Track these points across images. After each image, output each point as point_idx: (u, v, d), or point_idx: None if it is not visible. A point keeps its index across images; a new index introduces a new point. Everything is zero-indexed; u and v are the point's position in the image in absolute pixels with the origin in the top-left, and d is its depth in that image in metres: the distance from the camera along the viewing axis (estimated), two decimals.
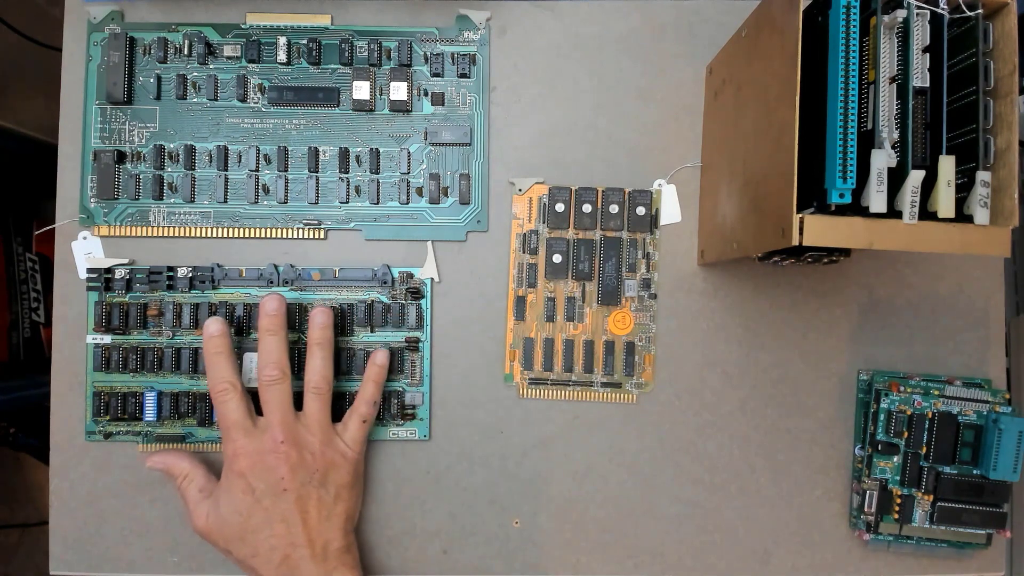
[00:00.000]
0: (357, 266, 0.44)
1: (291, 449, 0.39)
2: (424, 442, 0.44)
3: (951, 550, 0.44)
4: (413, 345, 0.43)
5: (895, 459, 0.42)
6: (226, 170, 0.43)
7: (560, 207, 0.44)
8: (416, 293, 0.43)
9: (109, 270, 0.43)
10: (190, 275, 0.43)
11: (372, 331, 0.43)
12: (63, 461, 0.44)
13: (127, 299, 0.43)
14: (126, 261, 0.43)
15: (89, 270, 0.43)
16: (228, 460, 0.39)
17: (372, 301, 0.43)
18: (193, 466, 0.41)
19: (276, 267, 0.43)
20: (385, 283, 0.43)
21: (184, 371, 0.43)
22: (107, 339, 0.43)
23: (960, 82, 0.32)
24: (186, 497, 0.40)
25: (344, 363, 0.43)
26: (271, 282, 0.43)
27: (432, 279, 0.44)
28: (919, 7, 0.31)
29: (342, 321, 0.43)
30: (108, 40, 0.43)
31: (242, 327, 0.43)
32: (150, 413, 0.43)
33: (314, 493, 0.39)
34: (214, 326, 0.40)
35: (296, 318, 0.43)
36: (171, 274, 0.43)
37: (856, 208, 0.30)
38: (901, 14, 0.30)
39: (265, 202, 0.44)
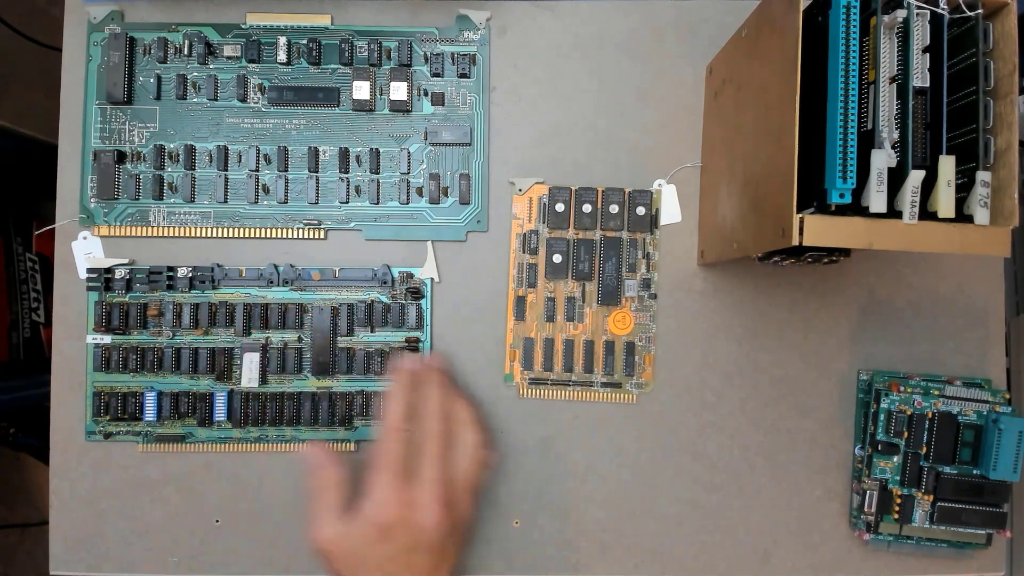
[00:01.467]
0: (357, 266, 0.44)
1: (444, 511, 0.37)
2: None
3: (951, 550, 0.44)
4: (413, 345, 0.43)
5: (895, 459, 0.42)
6: (226, 170, 0.43)
7: (560, 207, 0.44)
8: (416, 293, 0.43)
9: (109, 270, 0.43)
10: (190, 275, 0.43)
11: (372, 331, 0.43)
12: (63, 461, 0.44)
13: (127, 299, 0.43)
14: (126, 261, 0.43)
15: (89, 270, 0.43)
16: (377, 504, 0.36)
17: (372, 301, 0.43)
18: (341, 481, 0.38)
19: (276, 267, 0.43)
20: (385, 283, 0.43)
21: (184, 371, 0.43)
22: (107, 339, 0.43)
23: (960, 82, 0.32)
24: (320, 505, 0.38)
25: (344, 363, 0.43)
26: (271, 282, 0.43)
27: (432, 279, 0.44)
28: (919, 7, 0.31)
29: (341, 321, 0.43)
30: (108, 40, 0.43)
31: (242, 328, 0.43)
32: (150, 413, 0.43)
33: (448, 562, 0.38)
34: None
35: (298, 318, 0.43)
36: (171, 274, 0.43)
37: (856, 208, 0.30)
38: (901, 14, 0.30)
39: (265, 202, 0.44)
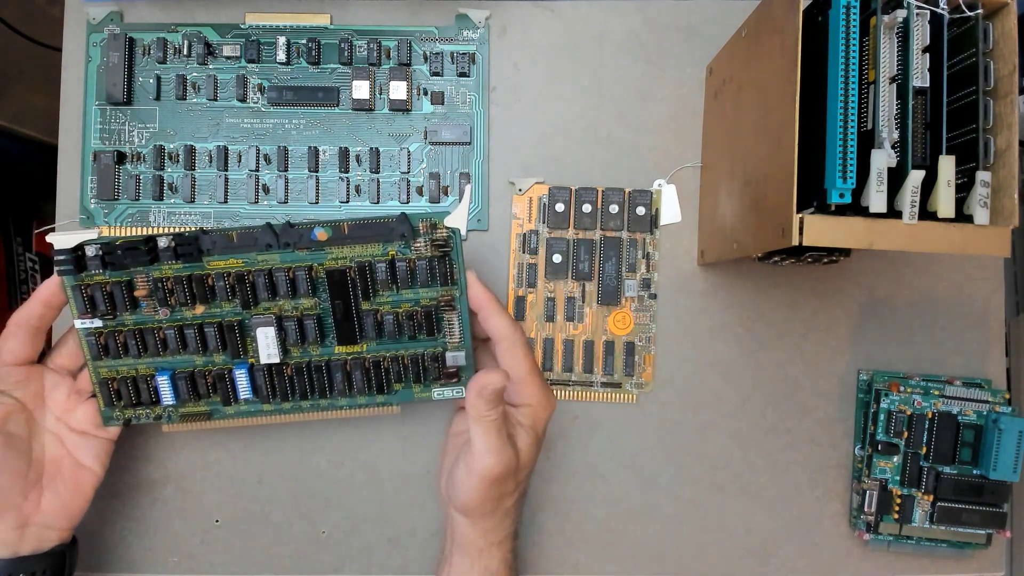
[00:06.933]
0: (368, 215, 0.40)
1: None
2: (422, 441, 0.44)
3: (951, 550, 0.44)
4: (448, 304, 0.39)
5: (895, 459, 0.42)
6: (226, 170, 0.43)
7: (560, 207, 0.44)
8: (443, 245, 0.37)
9: (77, 247, 0.36)
10: (173, 244, 0.36)
11: (398, 291, 0.38)
12: None
13: (107, 277, 0.37)
14: (93, 235, 0.37)
15: (56, 251, 0.36)
16: (541, 420, 0.39)
17: (393, 256, 0.37)
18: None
19: (272, 227, 0.37)
20: (404, 236, 0.37)
21: (192, 351, 0.38)
22: (98, 323, 0.38)
23: (960, 82, 0.32)
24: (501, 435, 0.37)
25: (371, 328, 0.39)
26: (269, 245, 0.37)
27: (459, 230, 0.37)
28: (919, 7, 0.31)
29: (363, 283, 0.38)
30: (107, 41, 0.43)
31: (248, 299, 0.37)
32: (167, 397, 0.39)
33: None
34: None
35: (309, 283, 0.37)
36: (149, 246, 0.36)
37: (856, 208, 0.30)
38: (901, 14, 0.30)
39: (265, 202, 0.44)
